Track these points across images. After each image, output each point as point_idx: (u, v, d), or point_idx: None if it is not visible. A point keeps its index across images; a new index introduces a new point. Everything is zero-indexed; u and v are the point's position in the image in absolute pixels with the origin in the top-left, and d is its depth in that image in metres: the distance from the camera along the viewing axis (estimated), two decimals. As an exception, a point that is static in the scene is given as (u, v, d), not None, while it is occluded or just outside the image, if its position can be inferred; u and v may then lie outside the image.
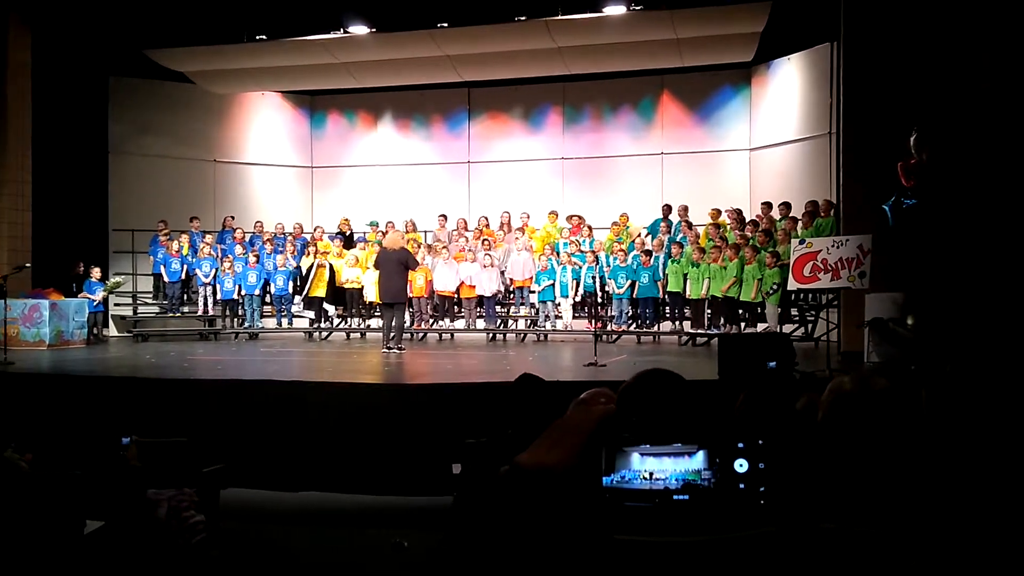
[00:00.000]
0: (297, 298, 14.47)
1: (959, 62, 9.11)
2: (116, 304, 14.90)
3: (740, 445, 1.25)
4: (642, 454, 1.24)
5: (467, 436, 5.07)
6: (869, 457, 1.41)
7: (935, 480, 1.13)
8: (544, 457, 1.10)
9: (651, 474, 1.24)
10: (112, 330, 14.70)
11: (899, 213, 7.76)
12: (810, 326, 11.97)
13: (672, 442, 1.26)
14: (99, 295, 13.69)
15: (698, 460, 1.25)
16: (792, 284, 9.16)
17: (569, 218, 14.55)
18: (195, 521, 4.14)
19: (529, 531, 1.02)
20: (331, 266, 14.22)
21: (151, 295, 15.08)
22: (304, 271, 14.31)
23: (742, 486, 1.24)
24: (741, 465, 1.24)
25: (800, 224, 12.19)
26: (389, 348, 11.18)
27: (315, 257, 14.27)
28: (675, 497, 1.23)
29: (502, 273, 13.87)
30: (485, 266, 13.52)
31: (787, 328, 11.82)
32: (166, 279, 14.37)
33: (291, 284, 14.42)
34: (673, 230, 13.68)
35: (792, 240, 9.84)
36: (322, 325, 14.26)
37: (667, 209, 14.07)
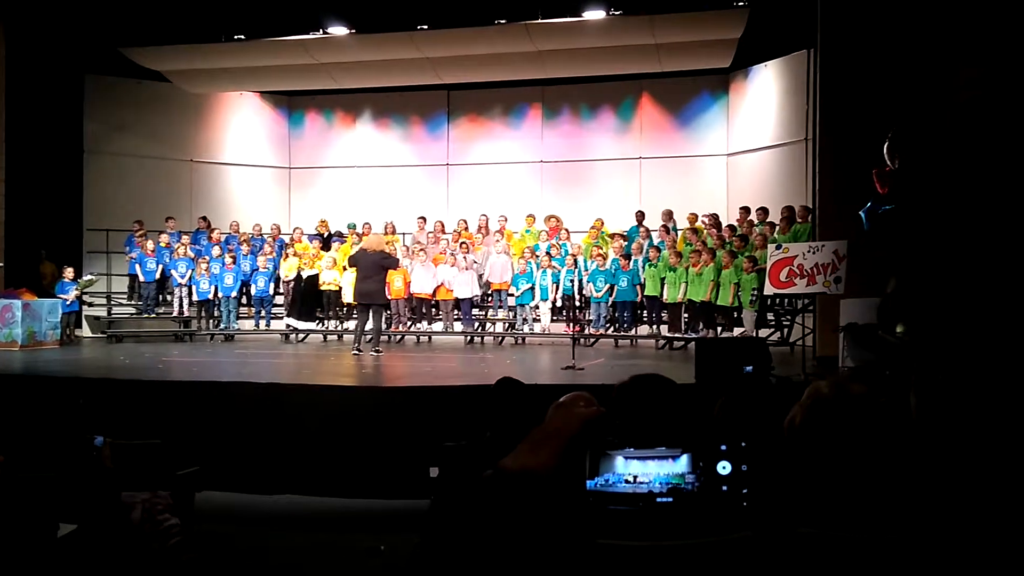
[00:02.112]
0: (279, 299, 14.43)
1: (934, 69, 9.22)
2: (90, 304, 14.76)
3: (723, 447, 1.26)
4: (626, 457, 1.24)
5: (445, 439, 5.06)
6: (846, 462, 1.42)
7: (921, 486, 1.14)
8: (528, 460, 1.10)
9: (635, 477, 1.25)
10: (86, 331, 14.55)
11: (875, 219, 7.83)
12: (786, 331, 12.06)
13: (656, 445, 1.26)
14: (72, 294, 13.55)
15: (682, 464, 1.26)
16: (769, 289, 9.22)
17: (547, 219, 14.59)
18: (170, 524, 4.11)
19: (512, 535, 1.02)
20: (301, 273, 14.15)
21: (126, 296, 14.94)
22: (283, 276, 14.28)
23: (725, 488, 1.25)
24: (724, 468, 1.25)
25: (778, 229, 12.29)
26: (360, 350, 11.09)
27: (295, 257, 14.21)
28: (658, 500, 1.24)
29: (480, 276, 13.87)
30: (462, 269, 13.51)
31: (763, 332, 11.90)
32: (142, 279, 14.26)
33: (272, 286, 14.35)
34: (650, 236, 13.78)
35: (769, 245, 9.89)
36: (299, 328, 14.17)
37: (640, 215, 14.19)
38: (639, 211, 14.35)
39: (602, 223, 14.33)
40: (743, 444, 1.24)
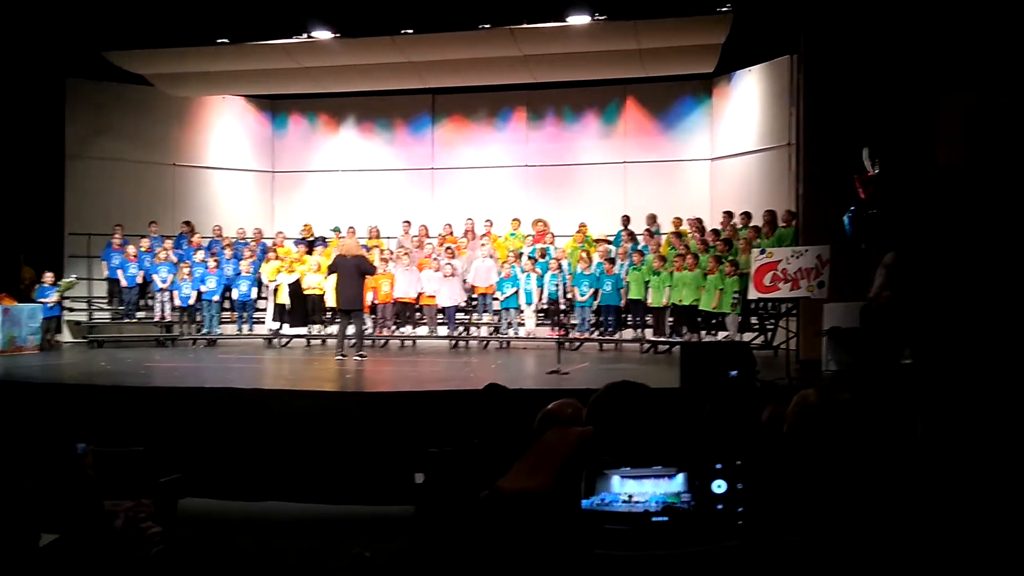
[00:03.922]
0: (263, 302, 14.35)
1: (916, 75, 9.30)
2: (70, 309, 14.63)
3: (718, 466, 1.25)
4: (622, 477, 1.23)
5: (430, 445, 5.04)
6: (833, 469, 1.42)
7: (912, 493, 1.14)
8: (525, 482, 1.10)
9: (631, 497, 1.24)
10: (66, 336, 14.43)
11: (858, 224, 7.89)
12: (769, 334, 12.10)
13: (652, 464, 1.25)
14: (53, 297, 13.44)
15: (678, 483, 1.25)
16: (753, 293, 9.26)
17: (534, 223, 14.58)
18: (153, 532, 4.07)
19: (510, 555, 1.01)
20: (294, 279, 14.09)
21: (106, 300, 14.83)
22: (265, 280, 14.22)
23: (720, 507, 1.24)
24: (719, 486, 1.25)
25: (762, 234, 12.33)
26: (343, 356, 11.05)
27: (276, 261, 14.16)
28: (654, 519, 1.23)
29: (464, 281, 13.85)
30: (447, 275, 13.48)
31: (747, 336, 11.95)
32: (124, 284, 14.15)
33: (254, 290, 14.27)
34: (634, 240, 13.81)
35: (753, 250, 9.94)
36: (281, 332, 14.10)
37: (626, 220, 14.23)
38: (625, 216, 14.37)
39: (587, 227, 14.35)
40: (738, 462, 1.23)
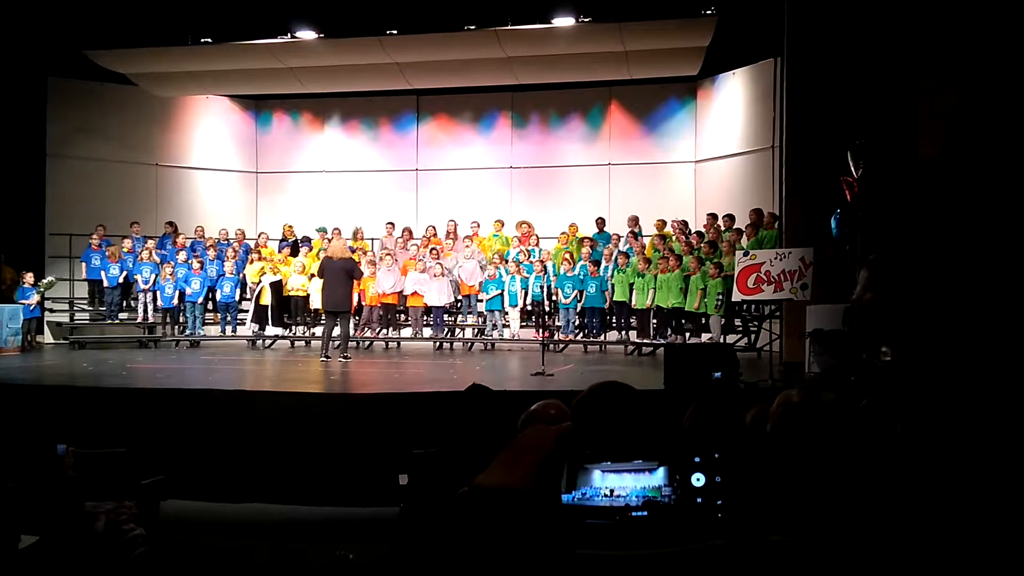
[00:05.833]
0: (246, 304, 14.28)
1: (899, 77, 9.38)
2: (51, 310, 14.52)
3: (697, 459, 1.26)
4: (603, 471, 1.24)
5: (414, 447, 5.03)
6: (816, 469, 1.42)
7: (894, 493, 1.15)
8: (504, 477, 1.09)
9: (612, 491, 1.24)
10: (48, 337, 14.32)
11: (845, 226, 7.95)
12: (753, 336, 12.15)
13: (633, 459, 1.26)
14: (34, 298, 13.34)
15: (659, 476, 1.26)
16: (737, 295, 9.30)
17: (518, 225, 14.58)
18: (135, 534, 4.04)
19: (489, 553, 1.01)
20: (277, 280, 14.03)
21: (87, 301, 14.72)
22: (248, 281, 14.16)
23: (700, 500, 1.25)
24: (698, 479, 1.25)
25: (744, 236, 12.37)
26: (328, 357, 11.01)
27: (260, 262, 14.11)
28: (634, 514, 1.24)
29: (453, 283, 13.83)
30: (436, 275, 13.46)
31: (730, 338, 11.98)
32: (106, 284, 14.05)
33: (237, 291, 14.20)
34: (604, 240, 13.84)
35: (737, 252, 9.99)
36: (265, 334, 14.04)
37: (601, 222, 14.26)
38: (599, 218, 14.41)
39: (576, 227, 14.35)
40: (716, 455, 1.24)
